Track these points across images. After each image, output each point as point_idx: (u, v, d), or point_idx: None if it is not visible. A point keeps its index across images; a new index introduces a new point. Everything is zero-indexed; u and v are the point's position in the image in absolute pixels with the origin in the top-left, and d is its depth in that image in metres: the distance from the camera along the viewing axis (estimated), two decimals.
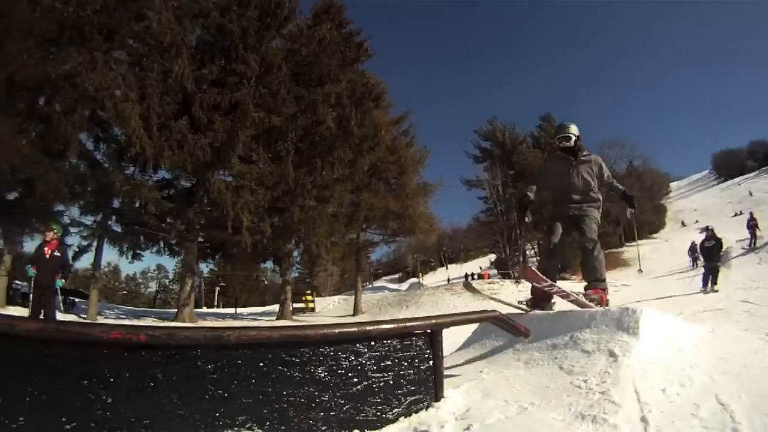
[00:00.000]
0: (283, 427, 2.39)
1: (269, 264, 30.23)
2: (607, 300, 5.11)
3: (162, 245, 22.26)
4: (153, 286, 73.78)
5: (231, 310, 40.84)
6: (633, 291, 24.76)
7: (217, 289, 48.69)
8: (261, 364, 2.39)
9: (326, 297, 43.22)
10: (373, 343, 2.79)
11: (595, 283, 5.05)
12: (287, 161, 18.83)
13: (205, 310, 38.27)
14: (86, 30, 18.67)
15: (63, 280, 8.62)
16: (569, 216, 5.13)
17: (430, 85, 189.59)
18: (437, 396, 3.02)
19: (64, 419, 2.01)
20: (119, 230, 21.01)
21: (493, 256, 45.51)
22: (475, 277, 37.80)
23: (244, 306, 43.80)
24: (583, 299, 4.92)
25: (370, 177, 24.64)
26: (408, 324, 3.05)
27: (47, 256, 8.32)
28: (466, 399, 3.08)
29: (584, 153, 5.23)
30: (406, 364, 2.92)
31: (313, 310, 35.31)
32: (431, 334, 3.09)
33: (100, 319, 18.50)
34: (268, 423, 2.35)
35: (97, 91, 17.36)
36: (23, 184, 18.49)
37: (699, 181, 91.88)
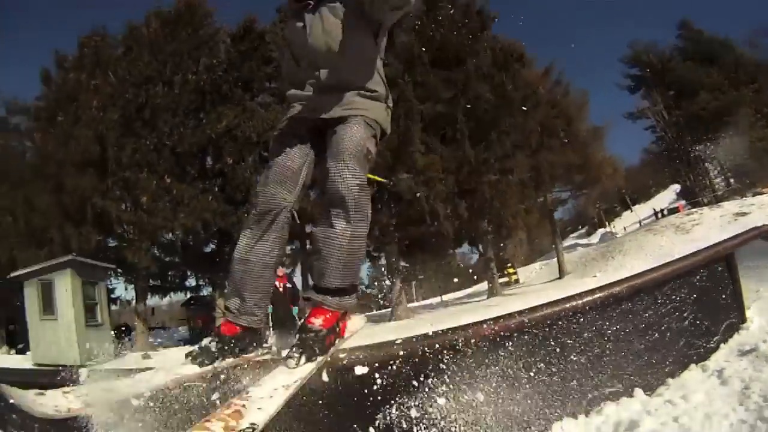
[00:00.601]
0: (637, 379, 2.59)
1: (464, 248, 30.13)
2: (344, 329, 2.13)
3: None
4: None
5: (434, 300, 41.18)
6: None
7: (414, 283, 48.20)
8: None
9: (521, 267, 41.85)
10: (685, 278, 2.89)
11: (330, 297, 1.96)
12: (463, 142, 18.16)
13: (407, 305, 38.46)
14: (223, 89, 19.55)
15: (297, 307, 9.09)
16: (311, 121, 2.09)
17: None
18: (742, 318, 3.12)
19: None
20: None
21: (676, 187, 41.64)
22: (665, 213, 33.98)
23: (443, 293, 43.70)
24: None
25: (542, 136, 23.07)
26: (706, 253, 3.10)
27: (281, 290, 8.73)
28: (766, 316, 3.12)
29: None
30: (714, 293, 3.03)
31: (517, 281, 34.55)
32: (727, 258, 3.13)
33: None
34: (625, 378, 2.59)
35: (260, 135, 18.03)
36: (218, 235, 20.01)
37: None
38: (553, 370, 2.50)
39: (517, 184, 19.74)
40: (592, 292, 2.60)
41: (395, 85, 18.03)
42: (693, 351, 2.82)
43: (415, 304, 35.86)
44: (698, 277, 2.95)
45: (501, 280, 28.26)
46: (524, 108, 20.23)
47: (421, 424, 2.15)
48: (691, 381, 2.58)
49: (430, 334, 2.37)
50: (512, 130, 19.37)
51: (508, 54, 21.00)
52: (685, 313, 2.81)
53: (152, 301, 24.67)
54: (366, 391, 2.13)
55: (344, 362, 2.15)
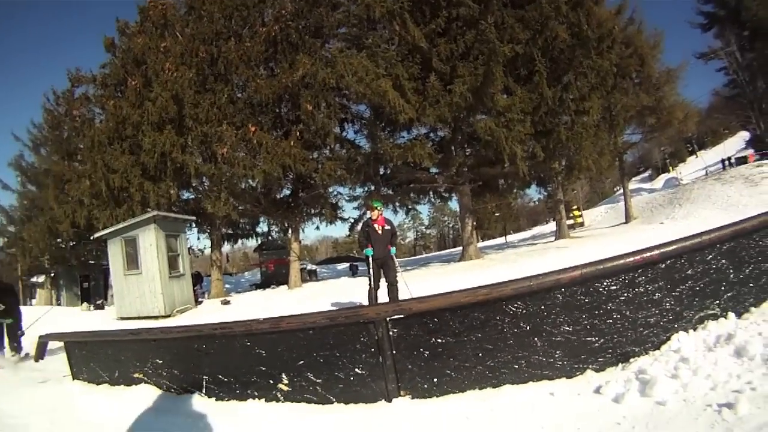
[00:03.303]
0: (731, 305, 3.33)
1: (532, 190, 29.98)
2: None
3: (432, 195, 24.03)
4: (410, 236, 79.47)
5: (496, 241, 41.42)
6: None
7: (474, 222, 48.81)
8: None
9: (584, 211, 41.68)
10: None
11: None
12: (542, 83, 17.74)
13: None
14: (293, 37, 19.59)
15: (395, 248, 9.15)
16: None
17: None
18: None
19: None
20: (391, 192, 22.93)
21: (745, 134, 39.76)
22: (733, 161, 32.72)
23: (502, 234, 44.07)
24: None
25: (615, 77, 22.49)
26: None
27: (379, 232, 8.95)
28: None
29: None
30: None
31: (582, 224, 34.52)
32: None
33: None
34: (722, 303, 3.33)
35: (338, 80, 18.04)
36: (294, 181, 21.02)
37: None
38: (674, 294, 3.23)
39: (592, 126, 19.29)
40: (708, 232, 3.32)
41: (474, 26, 17.89)
42: None
43: (480, 244, 36.03)
44: None
45: (566, 222, 28.39)
46: (600, 48, 19.65)
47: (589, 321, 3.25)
48: None
49: (598, 261, 3.27)
50: (588, 71, 18.82)
51: None
52: None
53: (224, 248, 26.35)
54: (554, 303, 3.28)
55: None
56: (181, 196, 22.12)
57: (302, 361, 3.71)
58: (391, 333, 3.41)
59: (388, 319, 3.42)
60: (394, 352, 3.43)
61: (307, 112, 18.34)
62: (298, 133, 18.97)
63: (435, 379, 3.41)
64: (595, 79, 19.24)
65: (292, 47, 19.77)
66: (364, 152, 20.80)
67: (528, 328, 3.23)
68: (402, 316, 3.43)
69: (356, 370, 3.55)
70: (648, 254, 3.17)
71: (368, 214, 9.47)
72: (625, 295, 3.20)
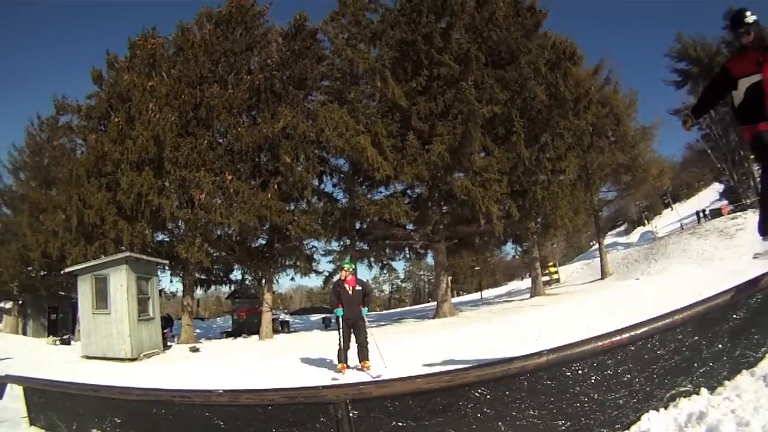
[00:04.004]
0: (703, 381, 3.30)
1: (508, 246, 29.88)
2: None
3: (407, 251, 24.03)
4: (386, 289, 79.42)
5: (472, 297, 41.31)
6: None
7: (449, 278, 48.80)
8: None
9: (560, 266, 41.93)
10: (746, 300, 3.49)
11: None
12: (519, 143, 18.03)
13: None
14: (277, 87, 19.67)
15: (367, 308, 9.07)
16: None
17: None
18: None
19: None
20: (366, 247, 22.86)
21: (719, 186, 40.56)
22: (708, 214, 33.13)
23: (478, 289, 43.96)
24: None
25: (591, 136, 22.95)
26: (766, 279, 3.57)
27: (350, 293, 8.86)
28: None
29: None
30: (766, 313, 3.52)
31: (558, 281, 34.64)
32: None
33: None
34: (694, 380, 3.28)
35: (318, 134, 18.29)
36: (270, 231, 20.76)
37: None
38: (645, 374, 3.18)
39: (568, 185, 19.64)
40: (681, 310, 3.29)
41: (454, 85, 18.22)
42: (744, 360, 3.40)
43: (455, 300, 36.12)
44: (755, 299, 3.52)
45: (542, 279, 28.34)
46: (577, 108, 20.06)
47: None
48: (742, 383, 3.23)
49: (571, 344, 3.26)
50: (565, 131, 19.23)
51: (560, 52, 20.84)
52: (743, 328, 3.43)
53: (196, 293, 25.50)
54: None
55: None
56: (156, 238, 21.70)
57: None
58: (351, 415, 3.39)
59: (348, 401, 3.40)
60: None
61: (286, 163, 18.44)
62: (275, 185, 18.99)
63: None
64: (572, 138, 19.68)
65: (275, 97, 19.94)
66: (340, 207, 20.90)
67: (492, 413, 3.20)
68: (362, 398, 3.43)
69: None
70: (617, 338, 3.16)
71: (339, 275, 9.44)
72: (594, 378, 3.19)
